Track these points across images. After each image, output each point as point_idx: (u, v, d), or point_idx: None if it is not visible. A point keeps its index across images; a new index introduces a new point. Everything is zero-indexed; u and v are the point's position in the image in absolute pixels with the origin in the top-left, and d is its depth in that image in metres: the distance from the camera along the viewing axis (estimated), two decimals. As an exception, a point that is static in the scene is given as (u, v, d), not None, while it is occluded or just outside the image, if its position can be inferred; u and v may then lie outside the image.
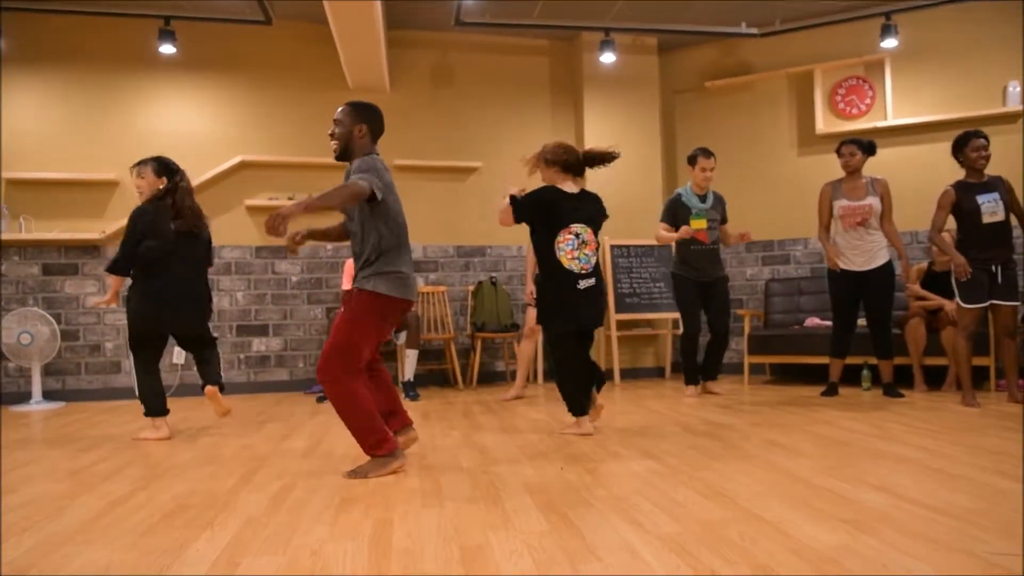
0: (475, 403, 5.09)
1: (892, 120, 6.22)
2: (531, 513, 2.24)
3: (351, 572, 1.78)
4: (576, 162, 3.67)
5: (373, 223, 2.86)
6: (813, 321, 5.95)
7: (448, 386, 6.29)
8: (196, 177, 6.00)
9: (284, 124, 6.30)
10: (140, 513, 2.36)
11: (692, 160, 5.01)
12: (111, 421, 4.61)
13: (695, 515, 2.16)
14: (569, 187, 3.65)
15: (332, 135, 2.96)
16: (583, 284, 3.57)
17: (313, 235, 3.10)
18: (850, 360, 5.04)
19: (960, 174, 4.49)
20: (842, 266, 4.75)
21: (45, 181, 5.83)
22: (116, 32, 6.05)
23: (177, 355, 5.90)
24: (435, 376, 6.45)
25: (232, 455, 3.35)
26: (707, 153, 4.98)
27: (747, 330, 5.81)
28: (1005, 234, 4.28)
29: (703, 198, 5.01)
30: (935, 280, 5.24)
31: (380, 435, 2.81)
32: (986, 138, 4.33)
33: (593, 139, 6.62)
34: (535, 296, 3.89)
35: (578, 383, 3.64)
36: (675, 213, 4.99)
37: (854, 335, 4.89)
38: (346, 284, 5.51)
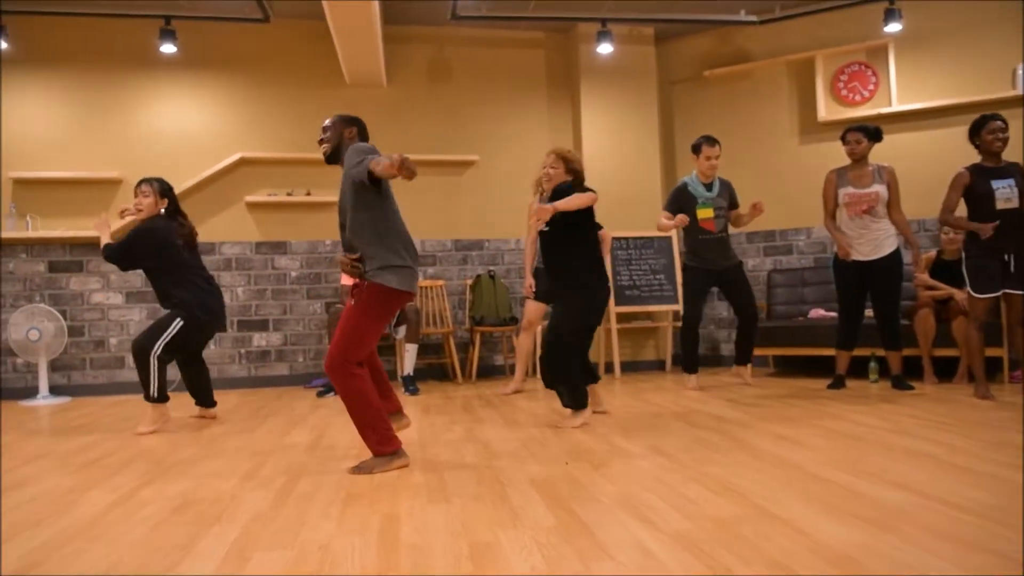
0: (475, 397, 5.05)
1: (897, 106, 6.14)
2: (539, 510, 2.19)
3: (360, 567, 1.75)
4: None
5: (370, 215, 2.84)
6: (818, 312, 5.89)
7: (447, 380, 6.25)
8: (196, 174, 6.08)
9: (283, 121, 6.29)
10: (148, 508, 2.35)
11: (696, 149, 4.92)
12: (116, 415, 4.63)
13: (707, 512, 2.11)
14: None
15: (322, 141, 3.02)
16: None
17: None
18: (857, 352, 4.92)
19: (972, 161, 4.30)
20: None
21: (50, 180, 5.91)
22: (116, 33, 6.07)
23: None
24: (434, 370, 6.41)
25: (235, 450, 3.33)
26: (711, 141, 4.89)
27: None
28: (1019, 221, 4.10)
29: (709, 187, 4.93)
30: (944, 269, 5.16)
31: (386, 433, 2.82)
32: (1004, 121, 4.15)
33: (590, 131, 6.56)
34: (579, 290, 3.71)
35: (582, 377, 3.76)
36: (680, 203, 4.88)
37: (861, 326, 4.79)
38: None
